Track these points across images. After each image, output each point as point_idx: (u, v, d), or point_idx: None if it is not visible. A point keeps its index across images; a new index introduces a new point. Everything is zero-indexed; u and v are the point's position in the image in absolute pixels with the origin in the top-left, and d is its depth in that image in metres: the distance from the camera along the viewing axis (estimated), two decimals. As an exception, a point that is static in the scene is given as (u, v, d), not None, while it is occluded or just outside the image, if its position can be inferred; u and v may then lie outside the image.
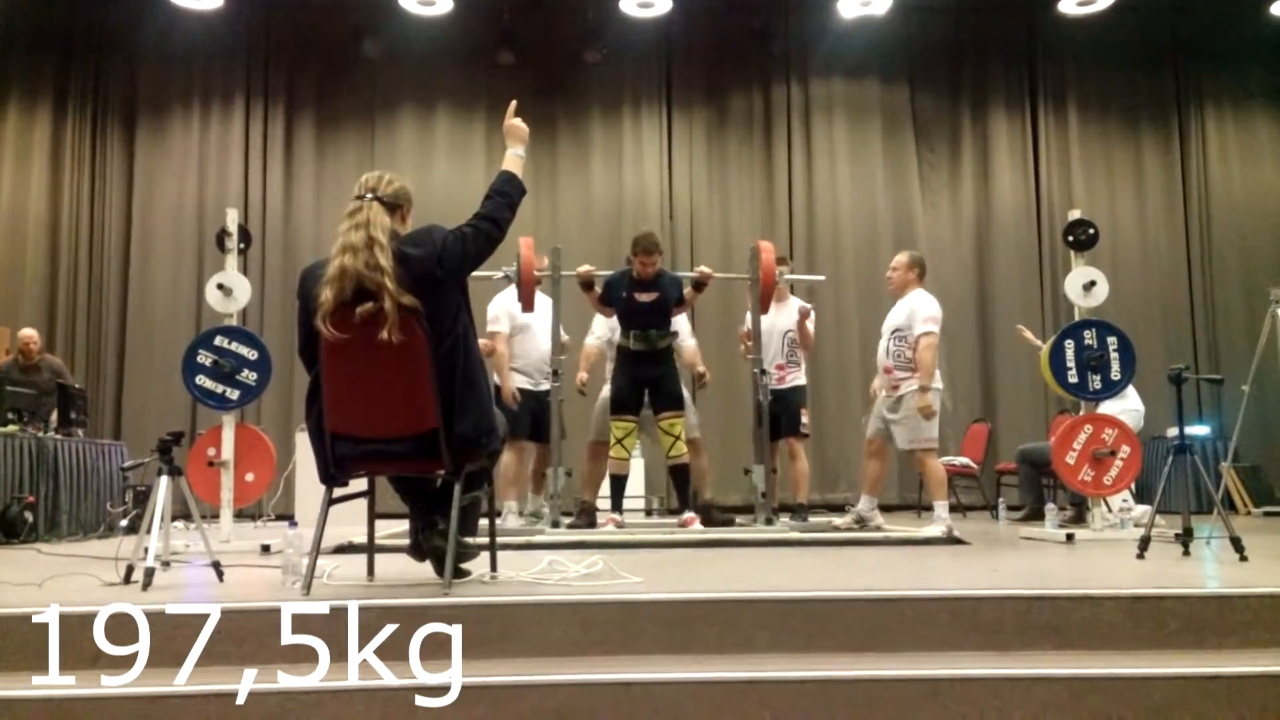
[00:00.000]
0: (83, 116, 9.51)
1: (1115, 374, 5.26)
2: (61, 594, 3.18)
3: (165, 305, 9.29)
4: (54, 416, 6.77)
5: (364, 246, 3.04)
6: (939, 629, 2.83)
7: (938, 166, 9.97)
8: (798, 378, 6.37)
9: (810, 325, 6.40)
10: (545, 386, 5.95)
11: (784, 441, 6.28)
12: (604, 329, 6.19)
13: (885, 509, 8.57)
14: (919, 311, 5.64)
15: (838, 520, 6.13)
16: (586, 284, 5.82)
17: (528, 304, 5.73)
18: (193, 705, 2.47)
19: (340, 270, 3.03)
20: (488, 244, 3.21)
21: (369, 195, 3.16)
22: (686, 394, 6.03)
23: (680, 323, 6.12)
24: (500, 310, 6.22)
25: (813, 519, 6.45)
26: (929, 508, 5.65)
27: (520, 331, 6.21)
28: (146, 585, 3.25)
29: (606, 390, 6.00)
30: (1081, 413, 5.49)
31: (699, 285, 5.85)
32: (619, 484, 5.83)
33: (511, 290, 6.06)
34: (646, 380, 5.68)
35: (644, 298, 5.67)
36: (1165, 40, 10.00)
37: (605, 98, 9.82)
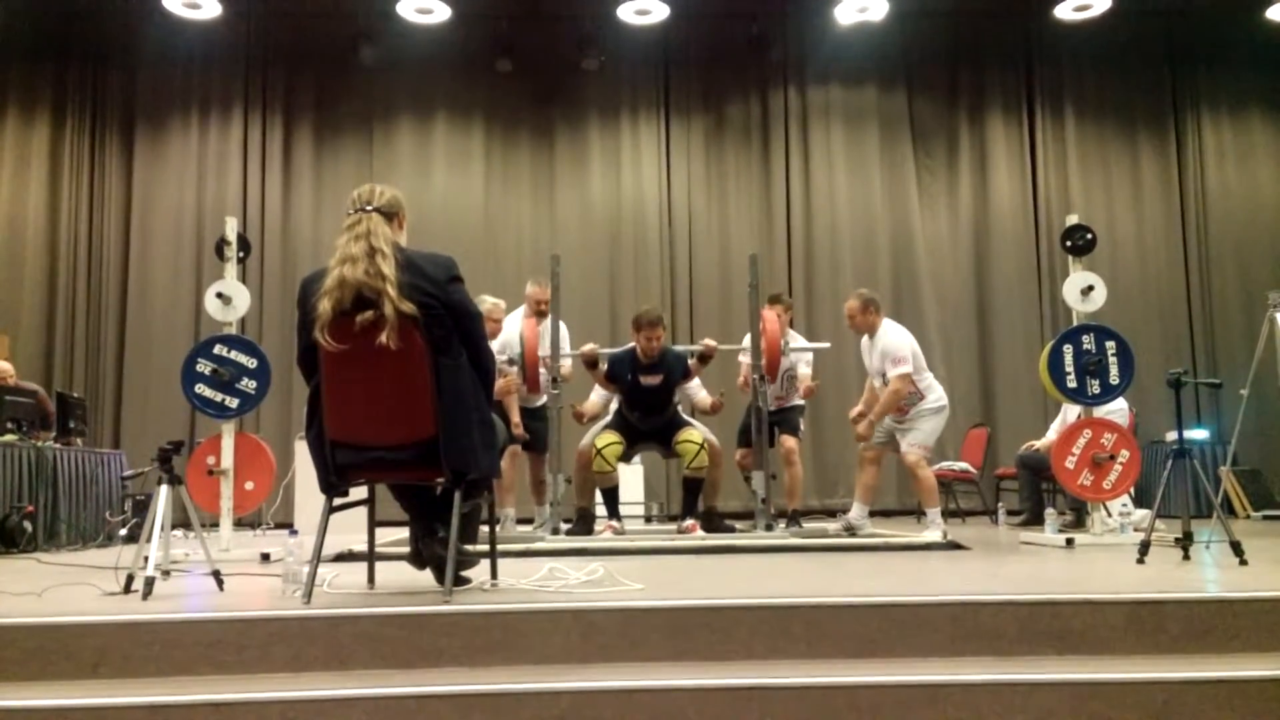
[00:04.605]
0: (81, 125, 9.52)
1: (1114, 379, 5.26)
2: (61, 603, 3.18)
3: (164, 314, 9.29)
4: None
5: (364, 256, 3.04)
6: (940, 634, 2.83)
7: (935, 172, 9.99)
8: (794, 401, 6.40)
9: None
10: (539, 402, 6.00)
11: (780, 442, 6.27)
12: (602, 397, 6.21)
13: (885, 514, 8.62)
14: (889, 352, 5.70)
15: (831, 526, 6.13)
16: (591, 363, 5.82)
17: (532, 385, 5.75)
18: (194, 715, 2.46)
19: (339, 281, 3.03)
20: (481, 338, 3.27)
21: (367, 207, 3.16)
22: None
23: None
24: (501, 342, 6.19)
25: (810, 524, 6.43)
26: (925, 513, 5.69)
27: (517, 364, 6.23)
28: (147, 594, 3.24)
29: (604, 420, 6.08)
30: (1077, 415, 5.50)
31: (704, 358, 5.87)
32: (611, 495, 5.85)
33: (514, 318, 6.12)
34: (648, 434, 5.83)
35: (649, 381, 5.70)
36: (1161, 45, 10.04)
37: (603, 105, 9.84)
